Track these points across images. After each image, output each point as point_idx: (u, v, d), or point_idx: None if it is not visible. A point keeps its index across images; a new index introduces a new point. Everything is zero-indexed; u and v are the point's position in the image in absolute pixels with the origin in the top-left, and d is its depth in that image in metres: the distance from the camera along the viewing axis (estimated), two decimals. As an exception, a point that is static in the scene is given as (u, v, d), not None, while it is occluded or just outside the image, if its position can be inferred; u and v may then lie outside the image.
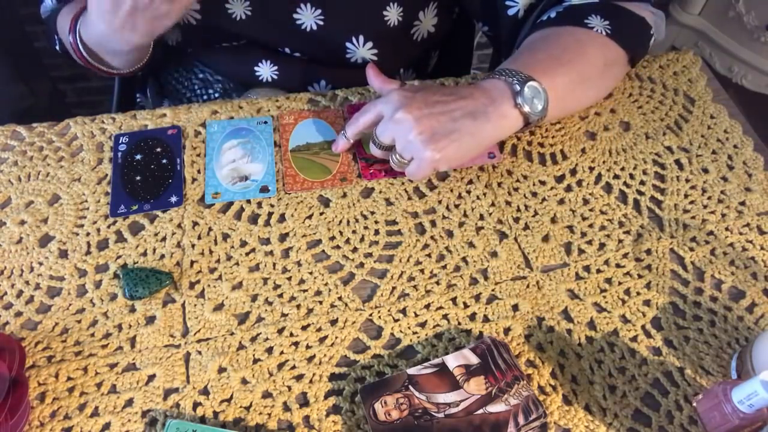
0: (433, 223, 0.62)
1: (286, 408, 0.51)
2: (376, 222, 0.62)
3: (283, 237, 0.61)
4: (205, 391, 0.51)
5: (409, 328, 0.55)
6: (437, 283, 0.58)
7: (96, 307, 0.56)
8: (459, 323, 0.55)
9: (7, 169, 0.65)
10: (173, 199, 0.63)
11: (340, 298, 0.57)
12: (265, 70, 0.80)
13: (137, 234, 0.61)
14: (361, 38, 0.74)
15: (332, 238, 0.60)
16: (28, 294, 0.57)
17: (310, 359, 0.53)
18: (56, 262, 0.58)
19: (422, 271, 0.58)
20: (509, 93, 0.59)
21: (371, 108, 0.61)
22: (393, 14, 0.73)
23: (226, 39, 0.79)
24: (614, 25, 0.65)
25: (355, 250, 0.60)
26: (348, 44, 0.75)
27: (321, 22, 0.72)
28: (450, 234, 0.61)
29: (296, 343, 0.54)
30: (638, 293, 0.57)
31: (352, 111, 0.68)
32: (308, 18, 0.72)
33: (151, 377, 0.52)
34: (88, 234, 0.60)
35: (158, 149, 0.66)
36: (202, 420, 0.50)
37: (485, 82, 0.61)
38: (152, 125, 0.69)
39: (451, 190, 0.64)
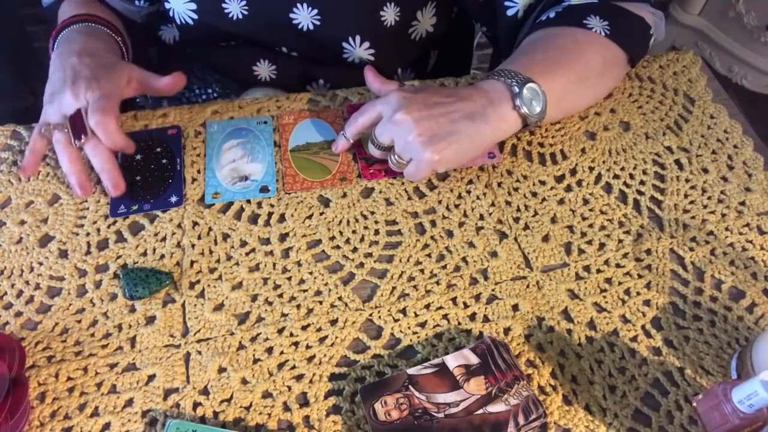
0: (433, 223, 0.62)
1: (286, 408, 0.51)
2: (376, 222, 0.62)
3: (283, 237, 0.61)
4: (205, 391, 0.51)
5: (409, 328, 0.55)
6: (437, 283, 0.58)
7: (96, 307, 0.56)
8: (459, 323, 0.55)
9: (7, 169, 0.65)
10: (173, 199, 0.63)
11: (340, 298, 0.57)
12: (264, 70, 0.80)
13: (137, 234, 0.61)
14: (358, 38, 0.74)
15: (332, 238, 0.60)
16: (28, 294, 0.57)
17: (310, 359, 0.53)
18: (56, 262, 0.58)
19: (422, 271, 0.58)
20: (508, 95, 0.59)
21: (370, 108, 0.61)
22: (390, 14, 0.73)
23: (223, 38, 0.79)
24: (613, 26, 0.65)
25: (355, 250, 0.60)
26: (345, 44, 0.75)
27: (317, 22, 0.72)
28: (450, 234, 0.61)
29: (296, 343, 0.54)
30: (638, 293, 0.57)
31: (351, 111, 0.68)
32: (305, 18, 0.72)
33: (151, 377, 0.52)
34: (88, 234, 0.60)
35: (158, 149, 0.66)
36: (202, 420, 0.50)
37: (484, 83, 0.61)
38: (152, 125, 0.69)
39: (451, 190, 0.64)
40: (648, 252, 0.60)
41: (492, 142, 0.61)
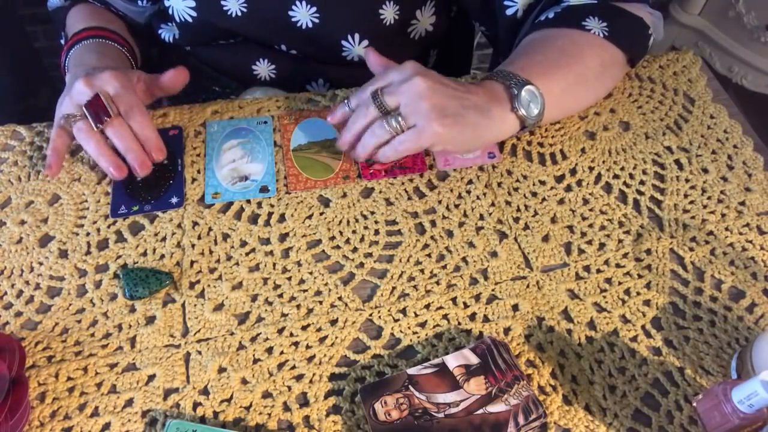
0: (433, 223, 0.62)
1: (286, 408, 0.51)
2: (376, 222, 0.62)
3: (283, 237, 0.61)
4: (205, 391, 0.51)
5: (409, 328, 0.55)
6: (437, 283, 0.58)
7: (96, 307, 0.56)
8: (459, 323, 0.55)
9: (7, 169, 0.65)
10: (174, 200, 0.63)
11: (340, 298, 0.57)
12: (263, 69, 0.80)
13: (137, 234, 0.61)
14: (357, 36, 0.74)
15: (332, 238, 0.60)
16: (28, 294, 0.57)
17: (310, 359, 0.53)
18: (56, 262, 0.58)
19: (422, 271, 0.58)
20: (506, 96, 0.59)
21: (381, 77, 0.59)
22: (389, 13, 0.73)
23: (222, 36, 0.79)
24: (612, 27, 0.65)
25: (355, 250, 0.60)
26: (343, 42, 0.75)
27: (316, 20, 0.72)
28: (450, 234, 0.61)
29: (296, 343, 0.54)
30: (638, 293, 0.57)
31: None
32: (303, 16, 0.72)
33: (151, 377, 0.52)
34: (88, 234, 0.60)
35: None
36: (202, 420, 0.50)
37: (483, 84, 0.61)
38: (152, 125, 0.69)
39: (451, 190, 0.64)
40: (648, 252, 0.60)
41: (490, 141, 0.61)
